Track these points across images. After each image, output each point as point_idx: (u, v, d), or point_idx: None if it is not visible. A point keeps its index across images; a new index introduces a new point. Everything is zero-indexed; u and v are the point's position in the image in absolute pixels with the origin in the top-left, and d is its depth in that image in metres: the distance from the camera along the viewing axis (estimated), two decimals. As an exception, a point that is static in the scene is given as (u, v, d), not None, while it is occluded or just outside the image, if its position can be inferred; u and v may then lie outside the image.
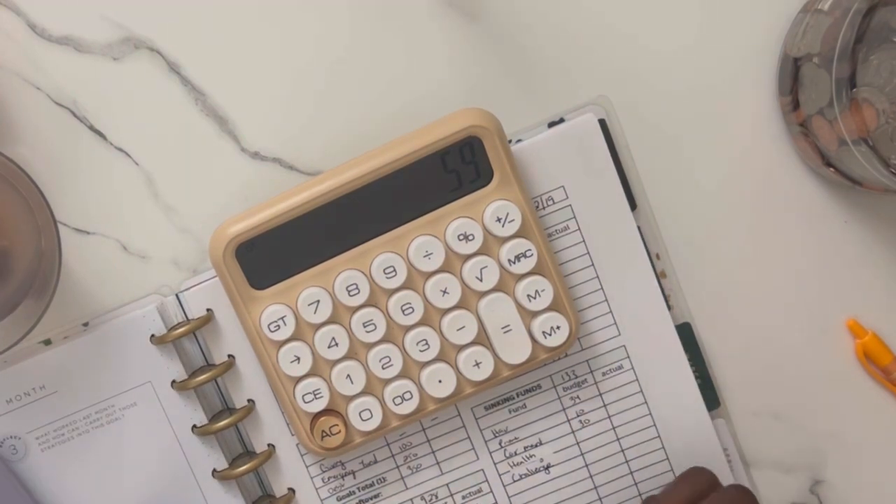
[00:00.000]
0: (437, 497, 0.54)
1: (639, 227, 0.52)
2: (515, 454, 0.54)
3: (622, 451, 0.54)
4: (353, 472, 0.54)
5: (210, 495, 0.53)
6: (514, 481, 0.54)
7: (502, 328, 0.50)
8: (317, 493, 0.54)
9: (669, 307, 0.53)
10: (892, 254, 0.54)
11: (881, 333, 0.54)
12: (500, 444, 0.54)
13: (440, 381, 0.51)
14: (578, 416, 0.54)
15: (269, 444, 0.53)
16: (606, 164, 0.51)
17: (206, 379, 0.51)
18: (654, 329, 0.53)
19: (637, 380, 0.54)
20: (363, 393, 0.51)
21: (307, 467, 0.54)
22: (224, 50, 0.51)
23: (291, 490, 0.54)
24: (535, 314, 0.50)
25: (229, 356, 0.52)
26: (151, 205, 0.52)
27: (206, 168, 0.52)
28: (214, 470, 0.53)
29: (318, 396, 0.50)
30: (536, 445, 0.54)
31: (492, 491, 0.54)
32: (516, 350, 0.50)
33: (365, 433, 0.51)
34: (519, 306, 0.50)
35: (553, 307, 0.50)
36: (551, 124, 0.52)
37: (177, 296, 0.52)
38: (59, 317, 0.52)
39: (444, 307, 0.50)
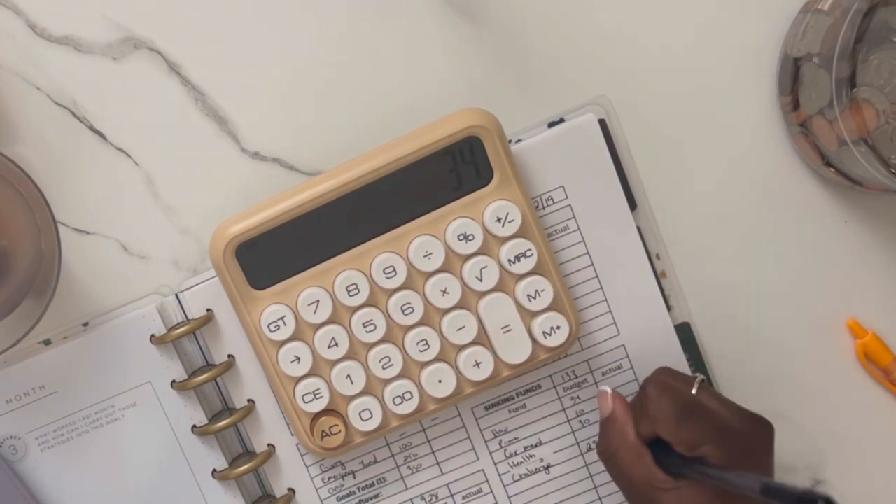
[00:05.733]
0: (437, 497, 0.54)
1: (639, 227, 0.52)
2: (515, 454, 0.54)
3: (622, 451, 0.54)
4: (353, 472, 0.54)
5: (210, 495, 0.53)
6: (515, 481, 0.54)
7: (502, 328, 0.50)
8: (317, 493, 0.54)
9: (669, 307, 0.53)
10: (892, 254, 0.54)
11: (881, 333, 0.54)
12: (500, 444, 0.54)
13: (440, 381, 0.51)
14: (578, 416, 0.54)
15: (269, 444, 0.53)
16: (606, 164, 0.51)
17: (206, 379, 0.51)
18: (654, 329, 0.53)
19: (637, 380, 0.54)
20: (363, 393, 0.51)
21: (307, 467, 0.54)
22: (224, 50, 0.51)
23: (291, 490, 0.54)
24: (535, 314, 0.50)
25: (229, 356, 0.52)
26: (151, 205, 0.52)
27: (206, 168, 0.52)
28: (214, 470, 0.53)
29: (318, 396, 0.50)
30: (536, 445, 0.54)
31: (492, 491, 0.54)
32: (516, 350, 0.50)
33: (365, 433, 0.51)
34: (519, 306, 0.50)
35: (553, 307, 0.50)
36: (551, 124, 0.52)
37: (177, 296, 0.52)
38: (59, 317, 0.52)
39: (444, 307, 0.50)
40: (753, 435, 0.47)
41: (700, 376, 0.49)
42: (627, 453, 0.48)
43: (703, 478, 0.46)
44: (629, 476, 0.48)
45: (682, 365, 0.53)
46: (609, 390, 0.50)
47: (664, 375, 0.49)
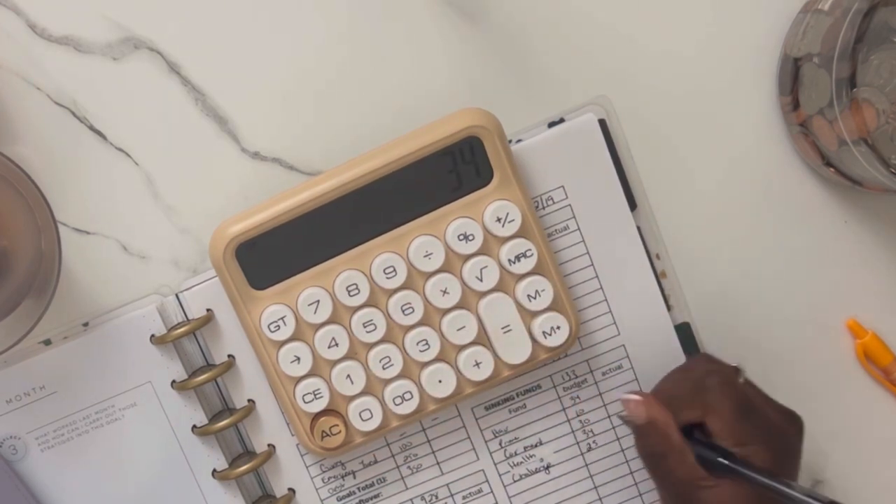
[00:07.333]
0: (437, 497, 0.54)
1: (639, 227, 0.52)
2: (515, 454, 0.54)
3: (622, 450, 0.54)
4: (353, 472, 0.54)
5: (210, 495, 0.53)
6: (515, 481, 0.54)
7: (502, 328, 0.50)
8: (317, 493, 0.54)
9: (669, 307, 0.53)
10: (892, 254, 0.54)
11: (881, 333, 0.54)
12: (500, 444, 0.54)
13: (440, 381, 0.51)
14: (578, 415, 0.54)
15: (269, 444, 0.53)
16: (606, 164, 0.51)
17: (206, 379, 0.51)
18: (654, 329, 0.53)
19: (637, 380, 0.54)
20: (363, 393, 0.51)
21: (307, 467, 0.54)
22: (224, 50, 0.51)
23: (291, 490, 0.54)
24: (535, 314, 0.50)
25: (229, 356, 0.52)
26: (151, 205, 0.52)
27: (206, 168, 0.52)
28: (214, 470, 0.53)
29: (318, 396, 0.50)
30: (536, 445, 0.54)
31: (492, 491, 0.54)
32: (516, 350, 0.50)
33: (365, 433, 0.51)
34: (519, 306, 0.50)
35: (553, 307, 0.50)
36: (551, 124, 0.52)
37: (177, 296, 0.52)
38: (59, 317, 0.52)
39: (444, 307, 0.50)
40: (791, 431, 0.47)
41: (742, 369, 0.48)
42: (673, 455, 0.47)
43: (752, 480, 0.45)
44: (673, 476, 0.47)
45: (682, 365, 0.54)
46: (639, 397, 0.48)
47: (713, 365, 0.48)
